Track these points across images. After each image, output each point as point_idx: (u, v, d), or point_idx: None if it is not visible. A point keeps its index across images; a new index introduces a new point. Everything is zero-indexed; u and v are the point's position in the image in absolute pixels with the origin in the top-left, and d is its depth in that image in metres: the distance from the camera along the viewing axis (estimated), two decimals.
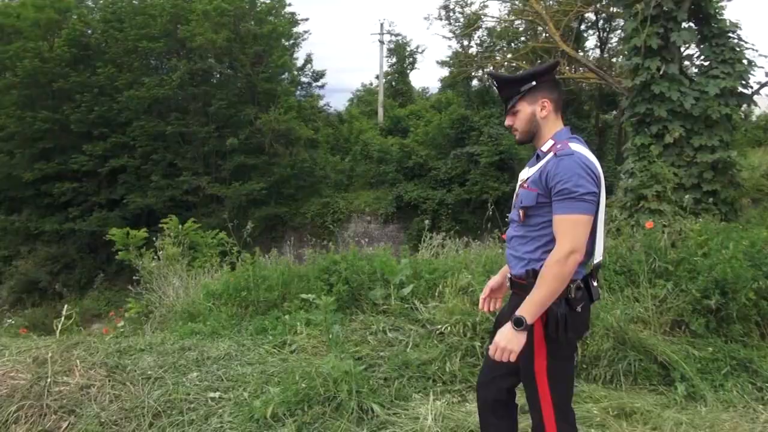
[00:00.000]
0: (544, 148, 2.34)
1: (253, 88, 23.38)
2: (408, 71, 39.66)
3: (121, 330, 7.53)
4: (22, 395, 3.34)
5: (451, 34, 24.10)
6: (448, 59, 29.36)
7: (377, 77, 42.45)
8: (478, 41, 24.15)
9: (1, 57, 22.97)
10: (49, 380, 3.45)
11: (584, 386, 3.64)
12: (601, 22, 22.87)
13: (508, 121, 2.46)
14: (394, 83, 38.89)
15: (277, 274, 4.69)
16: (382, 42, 36.36)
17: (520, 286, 2.37)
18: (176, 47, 22.82)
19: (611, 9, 19.96)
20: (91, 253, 25.34)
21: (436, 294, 4.39)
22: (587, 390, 3.58)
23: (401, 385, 3.46)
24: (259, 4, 23.99)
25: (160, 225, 8.52)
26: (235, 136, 22.32)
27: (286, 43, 25.98)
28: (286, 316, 4.27)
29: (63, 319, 4.77)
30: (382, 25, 36.30)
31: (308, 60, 27.33)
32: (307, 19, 30.54)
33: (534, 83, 2.36)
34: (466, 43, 24.03)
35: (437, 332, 3.92)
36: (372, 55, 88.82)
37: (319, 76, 27.78)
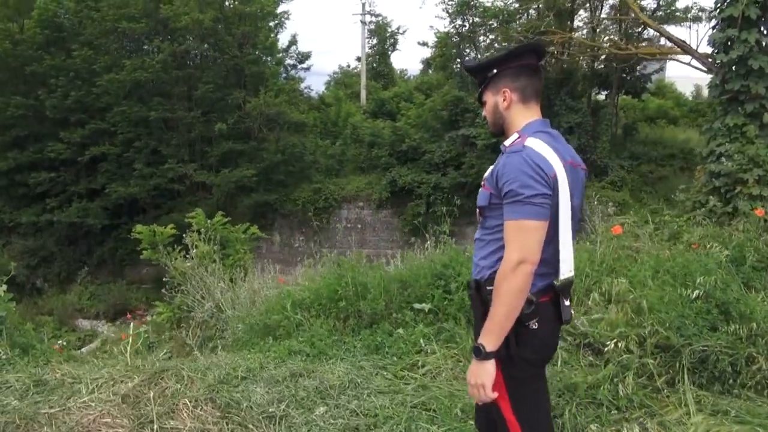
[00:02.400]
0: (507, 143, 2.12)
1: (239, 71, 22.43)
2: (389, 53, 38.98)
3: (146, 336, 6.92)
4: None
5: (444, 13, 23.45)
6: (435, 39, 28.76)
7: (357, 59, 41.61)
8: (471, 21, 23.53)
9: None
10: (155, 427, 2.89)
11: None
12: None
13: (483, 113, 2.32)
14: (375, 65, 38.13)
15: (377, 280, 4.14)
16: (364, 22, 35.56)
17: (470, 296, 2.17)
18: (158, 28, 21.68)
19: None
20: (70, 245, 24.27)
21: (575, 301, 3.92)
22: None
23: (572, 414, 3.01)
24: None
25: (186, 220, 7.89)
26: (223, 121, 21.41)
27: (270, 24, 24.99)
28: (400, 330, 3.75)
29: (130, 340, 4.20)
30: (363, 5, 35.37)
31: (293, 41, 26.40)
32: None
33: (495, 71, 2.19)
34: (459, 23, 23.40)
35: (595, 348, 3.46)
36: (347, 37, 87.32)
37: (304, 57, 26.91)
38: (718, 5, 8.25)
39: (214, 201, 22.29)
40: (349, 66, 42.44)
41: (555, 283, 2.07)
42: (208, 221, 7.65)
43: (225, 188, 21.73)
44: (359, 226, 23.81)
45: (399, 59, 40.80)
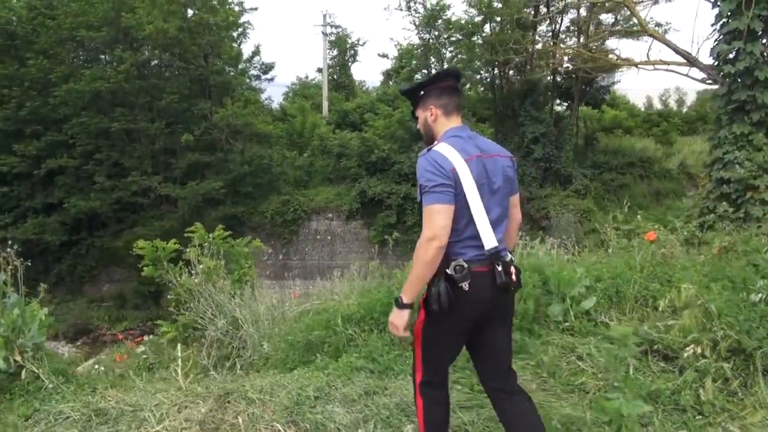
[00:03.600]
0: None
1: (204, 81, 21.98)
2: (350, 64, 39.01)
3: (144, 357, 6.64)
4: None
5: (411, 26, 23.66)
6: (397, 51, 28.94)
7: (318, 70, 41.47)
8: (437, 34, 23.80)
9: None
10: None
11: None
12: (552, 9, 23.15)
13: (417, 126, 2.81)
14: (335, 76, 38.07)
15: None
16: (325, 33, 35.49)
17: None
18: (119, 37, 21.01)
19: None
20: (24, 263, 23.07)
21: (627, 308, 3.94)
22: None
23: (660, 421, 3.01)
24: None
25: (186, 234, 7.61)
26: (189, 132, 20.90)
27: (233, 34, 24.63)
28: None
29: (179, 362, 4.00)
30: (325, 16, 35.33)
31: (256, 51, 26.11)
32: (256, 9, 29.06)
33: (422, 92, 2.70)
34: (426, 36, 23.63)
35: (663, 354, 3.48)
36: (303, 48, 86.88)
37: (268, 68, 26.62)
38: (721, 19, 8.58)
39: (180, 215, 21.71)
40: (307, 77, 42.30)
41: (485, 253, 2.49)
42: (209, 235, 7.39)
43: (192, 201, 21.17)
44: (329, 237, 23.60)
45: (358, 70, 40.82)
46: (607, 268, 4.34)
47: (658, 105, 31.05)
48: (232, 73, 24.20)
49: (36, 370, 3.59)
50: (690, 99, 31.20)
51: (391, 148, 23.24)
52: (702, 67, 10.12)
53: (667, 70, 12.22)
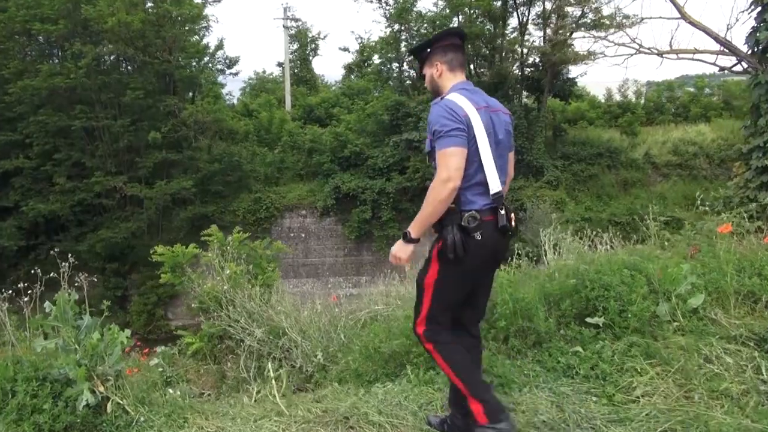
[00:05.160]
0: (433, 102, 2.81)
1: (169, 77, 21.12)
2: (311, 58, 38.39)
3: (160, 370, 6.23)
4: None
5: (383, 18, 23.36)
6: (360, 44, 28.63)
7: (278, 64, 40.68)
8: (407, 26, 23.57)
9: None
10: None
11: None
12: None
13: (425, 83, 3.01)
14: (296, 70, 37.41)
15: (533, 294, 3.81)
16: (286, 27, 34.76)
17: None
18: (78, 30, 19.92)
19: None
20: None
21: (731, 304, 3.79)
22: None
23: None
24: None
25: (202, 238, 7.18)
26: (155, 130, 20.05)
27: (197, 27, 23.78)
28: (578, 348, 3.47)
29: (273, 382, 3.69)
30: (285, 9, 34.59)
31: (220, 45, 25.35)
32: (219, 0, 28.08)
33: (428, 50, 2.90)
34: (397, 27, 23.36)
35: None
36: (260, 43, 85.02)
37: (232, 63, 25.85)
38: (758, 5, 8.54)
39: (147, 216, 20.86)
40: (264, 72, 41.44)
41: (491, 200, 2.66)
42: (228, 238, 7.00)
43: (160, 201, 20.35)
44: (303, 234, 23.14)
45: (319, 65, 40.35)
46: (702, 264, 4.21)
47: (617, 97, 31.74)
48: (194, 68, 23.39)
49: (120, 401, 3.19)
50: (647, 90, 32.02)
51: (363, 142, 22.94)
52: (742, 56, 10.19)
53: (692, 59, 12.42)
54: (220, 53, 25.33)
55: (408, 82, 24.45)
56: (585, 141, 25.16)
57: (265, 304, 6.14)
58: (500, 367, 3.37)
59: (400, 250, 2.69)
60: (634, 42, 13.17)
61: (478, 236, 2.61)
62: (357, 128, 23.43)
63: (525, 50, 24.27)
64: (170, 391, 3.52)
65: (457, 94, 2.70)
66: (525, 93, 25.62)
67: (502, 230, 2.69)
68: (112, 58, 20.85)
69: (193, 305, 6.49)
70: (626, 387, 3.15)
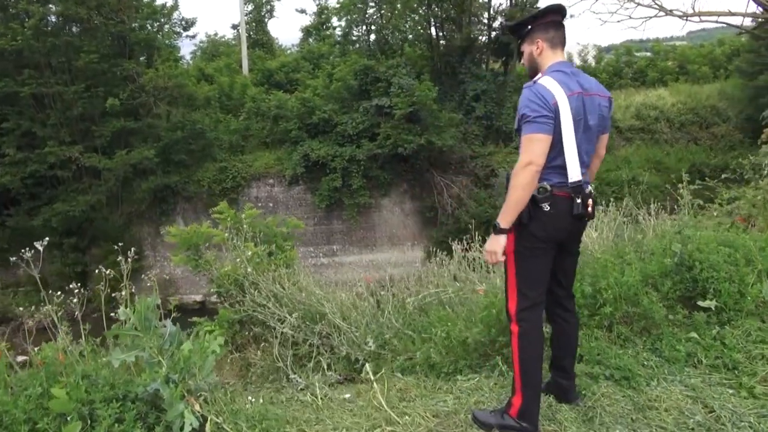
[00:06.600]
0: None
1: (125, 39, 19.80)
2: (266, 20, 36.87)
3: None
4: None
5: None
6: (315, 6, 27.63)
7: (233, 27, 38.90)
8: None
9: None
10: None
11: None
12: None
13: (522, 61, 3.02)
14: (251, 33, 35.89)
15: (633, 276, 3.56)
16: None
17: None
18: None
19: None
20: None
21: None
22: None
23: None
24: None
25: (212, 215, 6.73)
26: (113, 96, 18.86)
27: None
28: (693, 334, 3.27)
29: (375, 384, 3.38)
30: None
31: (175, 6, 23.81)
32: None
33: (530, 27, 2.87)
34: None
35: None
36: (213, 4, 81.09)
37: (189, 24, 24.50)
38: None
39: (106, 188, 19.78)
40: (216, 34, 39.68)
41: (567, 183, 2.70)
42: (240, 215, 6.57)
43: (120, 172, 19.29)
44: (271, 204, 22.47)
45: (275, 27, 38.91)
46: None
47: (577, 61, 31.96)
48: (152, 30, 22.04)
49: (217, 419, 2.79)
50: (609, 55, 32.33)
51: (332, 108, 22.27)
52: None
53: (716, 21, 12.54)
54: (176, 14, 23.94)
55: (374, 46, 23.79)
56: None
57: (294, 285, 5.79)
58: (615, 358, 3.16)
59: (493, 243, 2.69)
60: (655, 2, 13.04)
61: (546, 207, 2.66)
62: (324, 94, 22.71)
63: (492, 13, 24.00)
64: (250, 398, 3.14)
65: (551, 79, 2.70)
66: (492, 58, 25.39)
67: (577, 216, 2.73)
68: (60, 19, 19.27)
69: (211, 291, 6.08)
70: (765, 377, 2.98)
